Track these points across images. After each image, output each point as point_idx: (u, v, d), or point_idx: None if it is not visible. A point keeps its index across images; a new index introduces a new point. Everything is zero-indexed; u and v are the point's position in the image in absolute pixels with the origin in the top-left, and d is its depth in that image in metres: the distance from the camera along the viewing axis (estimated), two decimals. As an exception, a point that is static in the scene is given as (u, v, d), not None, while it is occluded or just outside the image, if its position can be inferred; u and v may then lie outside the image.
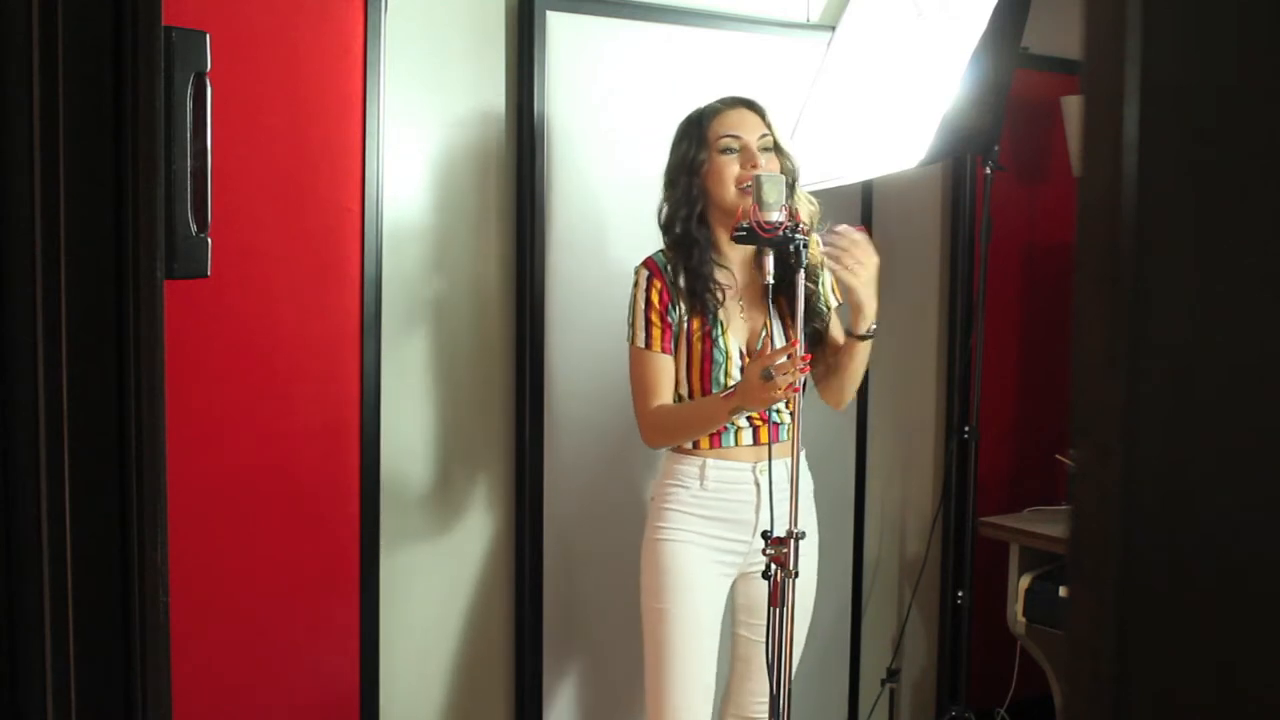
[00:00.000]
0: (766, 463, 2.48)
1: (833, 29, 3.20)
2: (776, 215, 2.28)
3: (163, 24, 1.06)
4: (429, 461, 2.79)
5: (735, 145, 2.46)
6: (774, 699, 2.33)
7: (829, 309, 2.58)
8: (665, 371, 2.49)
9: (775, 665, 2.32)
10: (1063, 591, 3.16)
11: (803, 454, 2.56)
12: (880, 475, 3.54)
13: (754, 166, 2.43)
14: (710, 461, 2.48)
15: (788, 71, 3.14)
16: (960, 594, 3.34)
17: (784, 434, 2.54)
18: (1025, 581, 3.35)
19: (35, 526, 1.00)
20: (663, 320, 2.47)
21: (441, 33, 2.75)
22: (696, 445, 2.50)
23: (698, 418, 2.47)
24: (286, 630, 2.59)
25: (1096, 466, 0.66)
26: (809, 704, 3.30)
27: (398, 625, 2.76)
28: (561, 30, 2.84)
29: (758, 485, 2.50)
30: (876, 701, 3.51)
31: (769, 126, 2.51)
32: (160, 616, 1.05)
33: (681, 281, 2.47)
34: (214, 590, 2.48)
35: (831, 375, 2.60)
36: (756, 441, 2.50)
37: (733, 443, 2.50)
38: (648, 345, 2.48)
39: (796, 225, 2.29)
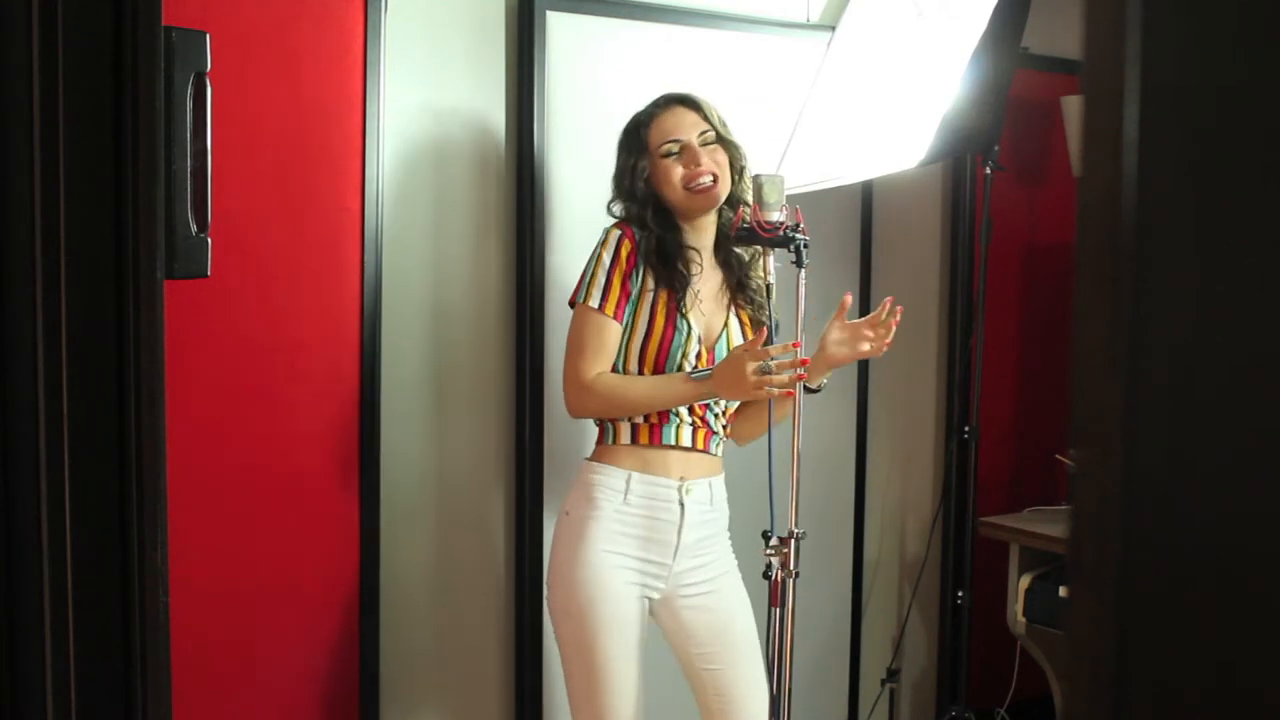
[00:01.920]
0: (690, 482, 2.42)
1: (833, 29, 3.20)
2: (777, 215, 2.28)
3: (163, 24, 1.06)
4: (429, 461, 2.79)
5: (675, 149, 2.43)
6: (774, 699, 2.33)
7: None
8: (614, 338, 2.39)
9: (775, 665, 2.32)
10: (1063, 591, 3.16)
11: (720, 478, 2.51)
12: (880, 475, 3.54)
13: (697, 164, 2.41)
14: (636, 476, 2.40)
15: (788, 71, 3.14)
16: (960, 594, 3.34)
17: (714, 446, 2.47)
18: (1025, 581, 3.35)
19: (35, 526, 1.00)
20: (623, 285, 2.38)
21: (441, 33, 2.75)
22: (614, 442, 2.41)
23: (657, 395, 2.37)
24: (286, 630, 2.59)
25: (1096, 466, 0.66)
26: (809, 704, 3.30)
27: (397, 625, 2.76)
28: (561, 30, 2.84)
29: (682, 506, 2.42)
30: (876, 701, 3.51)
31: (709, 120, 2.47)
32: (160, 616, 1.05)
33: (654, 250, 2.40)
34: (214, 590, 2.48)
35: (755, 416, 2.53)
36: (693, 444, 2.43)
37: (672, 439, 2.41)
38: (601, 307, 2.37)
39: (797, 225, 2.29)
